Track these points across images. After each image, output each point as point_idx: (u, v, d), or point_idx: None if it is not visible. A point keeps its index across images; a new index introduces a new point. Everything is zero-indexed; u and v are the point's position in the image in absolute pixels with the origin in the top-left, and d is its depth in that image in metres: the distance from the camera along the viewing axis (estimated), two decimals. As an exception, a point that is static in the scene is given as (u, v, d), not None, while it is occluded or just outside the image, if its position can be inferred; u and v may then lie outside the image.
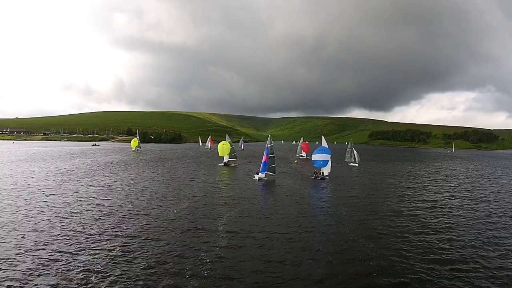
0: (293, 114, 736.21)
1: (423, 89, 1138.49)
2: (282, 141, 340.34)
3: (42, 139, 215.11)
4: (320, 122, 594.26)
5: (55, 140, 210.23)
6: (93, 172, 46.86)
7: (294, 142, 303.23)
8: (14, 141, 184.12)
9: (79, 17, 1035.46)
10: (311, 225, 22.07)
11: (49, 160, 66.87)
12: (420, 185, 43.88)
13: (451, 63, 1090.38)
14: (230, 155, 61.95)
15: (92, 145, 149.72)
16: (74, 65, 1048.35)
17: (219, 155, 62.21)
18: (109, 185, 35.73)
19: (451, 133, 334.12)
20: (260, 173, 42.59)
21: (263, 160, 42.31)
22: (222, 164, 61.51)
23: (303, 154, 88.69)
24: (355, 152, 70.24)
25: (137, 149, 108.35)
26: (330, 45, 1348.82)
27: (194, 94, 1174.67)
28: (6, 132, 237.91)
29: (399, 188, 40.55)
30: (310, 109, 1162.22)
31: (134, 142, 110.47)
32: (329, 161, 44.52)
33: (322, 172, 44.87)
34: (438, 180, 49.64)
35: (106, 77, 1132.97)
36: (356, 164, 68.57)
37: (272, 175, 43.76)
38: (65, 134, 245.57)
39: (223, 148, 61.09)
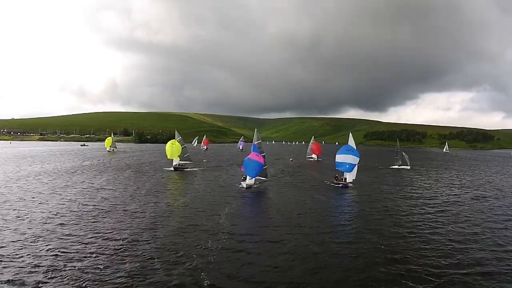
0: (288, 115, 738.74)
1: (418, 88, 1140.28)
2: (274, 142, 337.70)
3: (39, 140, 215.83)
4: (316, 123, 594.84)
5: (52, 141, 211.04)
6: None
7: (284, 143, 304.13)
8: (11, 142, 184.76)
9: (69, 18, 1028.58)
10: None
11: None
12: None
13: (447, 62, 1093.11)
14: (181, 157, 51.81)
15: (81, 145, 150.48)
16: (68, 66, 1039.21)
17: (168, 157, 51.59)
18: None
19: (446, 133, 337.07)
20: (247, 179, 34.32)
21: (257, 159, 33.88)
22: (172, 168, 50.95)
23: (314, 156, 79.89)
24: (404, 154, 62.49)
25: (112, 149, 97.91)
26: (325, 44, 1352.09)
27: (189, 94, 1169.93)
28: (3, 133, 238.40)
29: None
30: (305, 109, 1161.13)
31: (108, 141, 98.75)
32: (356, 165, 36.72)
33: (345, 178, 36.86)
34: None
35: (99, 78, 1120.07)
36: (408, 167, 60.64)
37: (264, 180, 36.51)
38: (61, 135, 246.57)
39: (172, 148, 50.10)
